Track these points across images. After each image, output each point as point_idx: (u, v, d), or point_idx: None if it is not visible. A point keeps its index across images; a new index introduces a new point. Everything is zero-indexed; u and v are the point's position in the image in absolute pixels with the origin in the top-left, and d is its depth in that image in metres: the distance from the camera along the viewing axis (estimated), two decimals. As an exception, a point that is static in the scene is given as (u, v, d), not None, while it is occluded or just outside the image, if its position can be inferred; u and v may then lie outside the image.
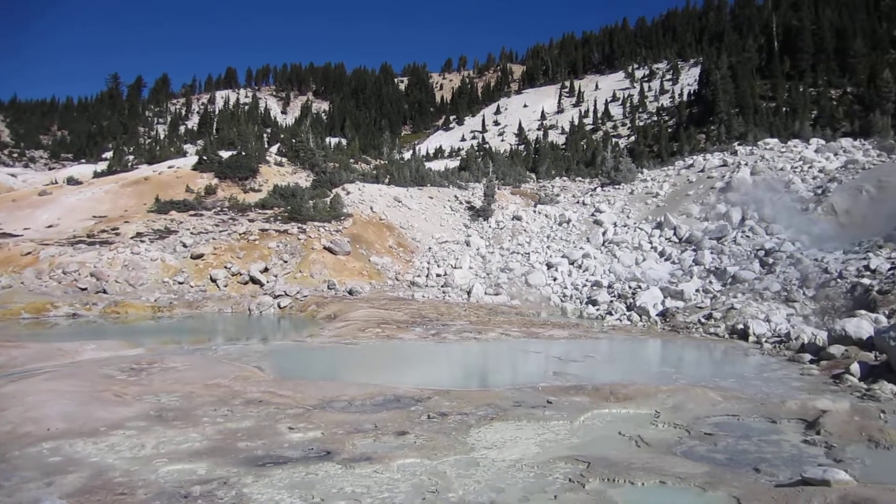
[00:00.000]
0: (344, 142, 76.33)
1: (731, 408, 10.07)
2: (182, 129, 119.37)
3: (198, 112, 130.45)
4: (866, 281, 19.91)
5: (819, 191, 32.49)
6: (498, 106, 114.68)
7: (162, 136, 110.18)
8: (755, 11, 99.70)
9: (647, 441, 8.50)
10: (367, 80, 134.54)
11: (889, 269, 20.32)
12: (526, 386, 11.88)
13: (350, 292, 28.37)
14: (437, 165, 66.43)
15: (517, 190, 51.49)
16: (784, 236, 28.50)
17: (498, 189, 46.37)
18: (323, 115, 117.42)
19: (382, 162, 55.81)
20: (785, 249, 26.35)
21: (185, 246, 32.39)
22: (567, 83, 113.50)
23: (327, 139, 71.87)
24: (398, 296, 28.53)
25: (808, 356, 15.14)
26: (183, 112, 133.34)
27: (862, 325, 15.05)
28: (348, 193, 39.96)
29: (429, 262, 33.34)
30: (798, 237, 27.86)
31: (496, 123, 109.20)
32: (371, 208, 38.64)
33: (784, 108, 66.18)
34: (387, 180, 45.58)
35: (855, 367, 12.70)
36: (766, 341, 17.78)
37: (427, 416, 9.54)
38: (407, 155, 78.88)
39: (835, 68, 70.51)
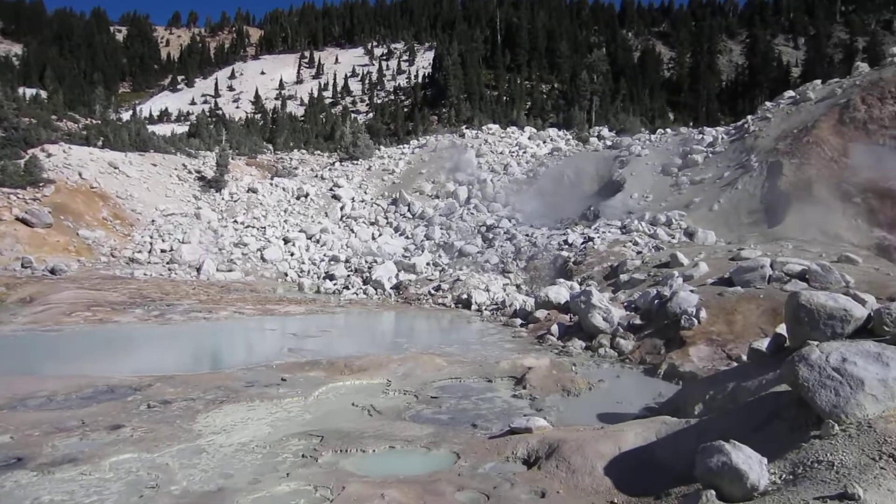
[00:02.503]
0: (44, 94, 65.24)
1: (455, 371, 10.91)
2: None
3: None
4: (565, 253, 23.10)
5: (531, 174, 36.72)
6: (233, 70, 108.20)
7: None
8: (482, 5, 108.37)
9: (379, 409, 8.80)
10: (73, 24, 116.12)
11: (582, 243, 23.82)
12: (259, 365, 11.49)
13: (52, 271, 24.49)
14: (162, 129, 60.56)
15: (253, 161, 49.30)
16: (503, 214, 31.77)
17: (232, 159, 43.86)
18: (14, 60, 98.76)
19: (95, 122, 48.89)
20: (503, 226, 29.37)
21: None
22: (307, 54, 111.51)
23: (21, 90, 60.70)
24: (114, 274, 25.47)
25: (519, 320, 17.13)
26: None
27: (561, 292, 17.42)
28: (50, 156, 34.24)
29: (152, 237, 30.29)
30: (514, 215, 31.25)
31: (231, 89, 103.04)
32: (80, 174, 33.65)
33: (505, 98, 73.31)
34: (100, 143, 39.96)
35: (555, 328, 14.68)
36: (485, 309, 19.65)
37: (147, 405, 8.68)
38: (126, 116, 70.46)
39: (545, 65, 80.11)
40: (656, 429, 6.41)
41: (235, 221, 32.68)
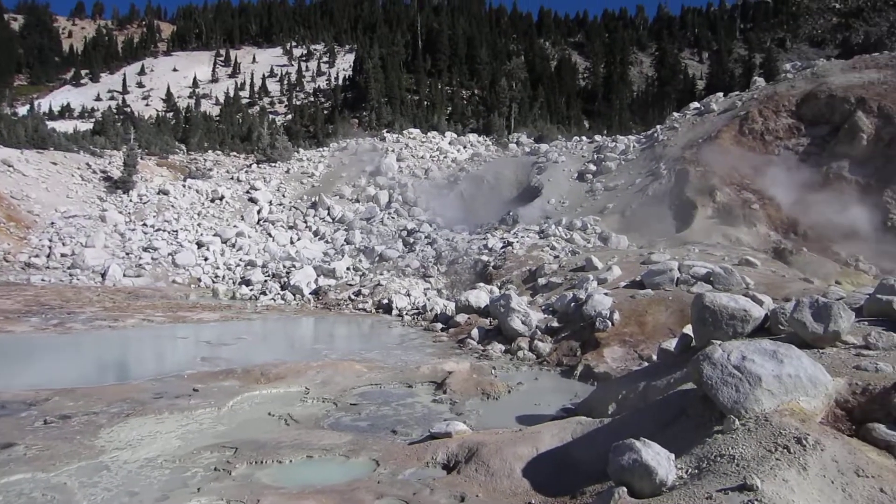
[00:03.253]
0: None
1: (375, 377, 10.80)
2: None
3: None
4: (485, 258, 23.40)
5: (452, 178, 37.04)
6: (143, 66, 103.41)
7: None
8: (403, 9, 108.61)
9: (297, 418, 8.58)
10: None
11: (501, 248, 24.21)
12: (169, 375, 10.96)
13: (-63, 277, 22.61)
14: (63, 126, 57.07)
15: (164, 161, 47.27)
16: (423, 218, 31.89)
17: (141, 159, 41.91)
18: None
19: (-13, 116, 45.53)
20: (424, 230, 29.47)
21: None
22: (223, 52, 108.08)
23: None
24: (8, 280, 23.75)
25: (440, 325, 17.18)
26: None
27: (481, 296, 17.63)
28: (-66, 152, 31.66)
29: (51, 240, 28.45)
30: (435, 219, 31.43)
31: (140, 85, 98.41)
32: (-31, 173, 31.27)
33: (426, 102, 73.65)
34: (-7, 139, 37.28)
35: (475, 332, 14.82)
36: (406, 314, 19.59)
37: (43, 421, 8.10)
38: (22, 110, 65.97)
39: (466, 71, 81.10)
40: (572, 429, 6.56)
41: (145, 224, 31.18)
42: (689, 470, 4.53)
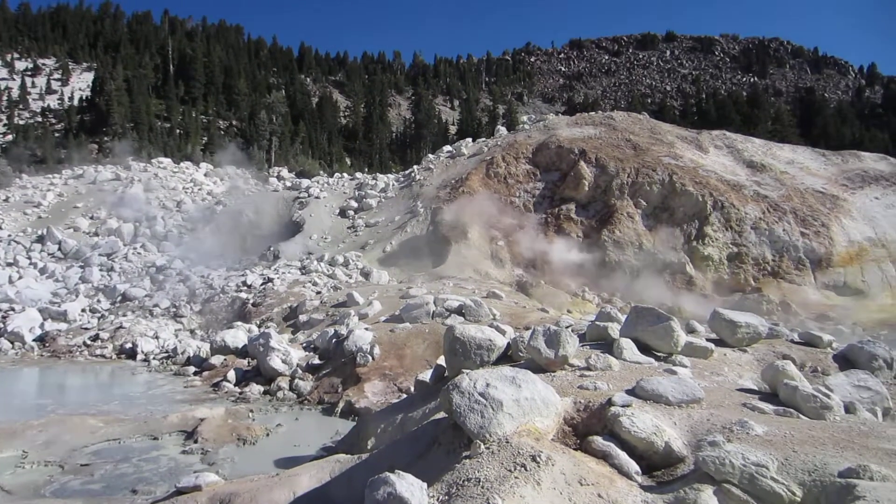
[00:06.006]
0: None
1: (113, 432, 9.59)
2: None
3: None
4: (244, 295, 22.34)
5: (208, 212, 34.95)
6: None
7: None
8: (153, 30, 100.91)
9: (9, 489, 7.26)
10: None
11: (261, 284, 23.33)
12: None
13: None
14: None
15: None
16: (175, 253, 29.49)
17: None
18: None
19: None
20: (175, 266, 27.23)
21: None
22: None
23: None
24: None
25: (192, 368, 15.88)
26: None
27: (238, 335, 16.72)
28: None
29: None
30: (188, 255, 29.26)
31: None
32: None
33: (178, 131, 68.82)
34: None
35: (231, 374, 13.98)
36: (154, 358, 17.79)
37: None
38: None
39: (223, 101, 77.66)
40: (330, 468, 6.45)
41: None
42: (440, 497, 4.71)
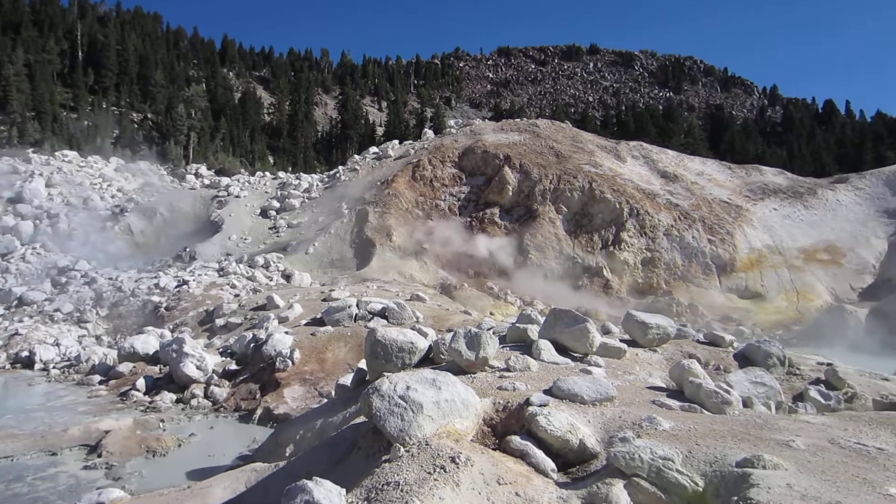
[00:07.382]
0: None
1: (5, 449, 8.92)
2: None
3: None
4: (156, 298, 21.36)
5: (118, 209, 33.26)
6: None
7: None
8: (59, 13, 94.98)
9: None
10: None
11: (175, 287, 22.39)
12: None
13: None
14: None
15: None
16: (80, 254, 27.83)
17: None
18: None
19: None
20: (80, 268, 25.71)
21: None
22: None
23: None
24: None
25: (98, 377, 14.95)
26: None
27: (149, 341, 15.94)
28: None
29: None
30: (95, 255, 27.71)
31: None
32: None
33: (87, 122, 65.11)
34: None
35: (141, 382, 13.29)
36: (54, 367, 16.64)
37: None
38: None
39: (137, 93, 74.01)
40: (245, 478, 6.26)
41: None
42: (359, 502, 4.66)
